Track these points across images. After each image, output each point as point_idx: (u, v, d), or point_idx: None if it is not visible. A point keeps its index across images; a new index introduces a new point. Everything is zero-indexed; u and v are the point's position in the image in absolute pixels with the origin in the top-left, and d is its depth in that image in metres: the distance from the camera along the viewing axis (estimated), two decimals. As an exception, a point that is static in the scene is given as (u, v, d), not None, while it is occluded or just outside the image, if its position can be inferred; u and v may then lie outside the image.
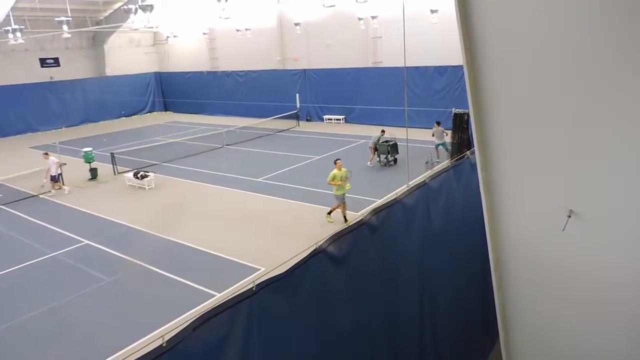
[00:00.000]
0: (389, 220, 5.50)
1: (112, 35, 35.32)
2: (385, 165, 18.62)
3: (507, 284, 5.71)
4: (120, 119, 36.24)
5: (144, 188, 17.47)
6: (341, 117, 29.01)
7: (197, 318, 3.47)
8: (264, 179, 17.76)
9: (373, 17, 25.71)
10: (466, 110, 16.28)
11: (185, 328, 3.37)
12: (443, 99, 24.20)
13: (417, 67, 24.59)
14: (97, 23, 33.13)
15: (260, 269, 10.54)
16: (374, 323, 5.46)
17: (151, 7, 18.44)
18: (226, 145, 24.13)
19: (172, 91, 38.79)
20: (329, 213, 13.24)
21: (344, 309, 4.98)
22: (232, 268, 10.95)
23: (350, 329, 5.08)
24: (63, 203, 16.50)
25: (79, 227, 13.98)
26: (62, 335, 8.85)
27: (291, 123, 28.73)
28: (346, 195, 12.97)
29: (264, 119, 28.68)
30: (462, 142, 17.05)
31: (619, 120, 3.94)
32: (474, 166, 6.70)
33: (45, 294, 10.24)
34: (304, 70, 30.20)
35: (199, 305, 9.26)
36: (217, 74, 35.35)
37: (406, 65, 23.00)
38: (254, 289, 3.85)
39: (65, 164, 18.47)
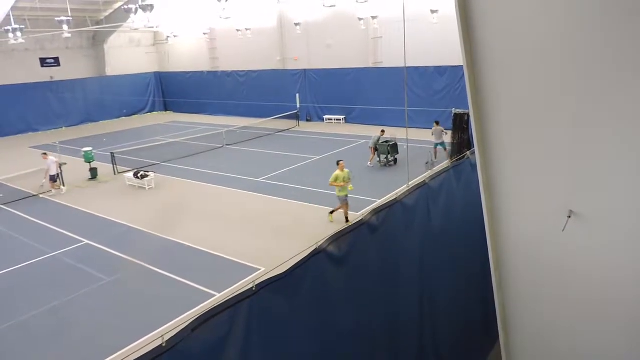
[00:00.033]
0: (389, 220, 5.50)
1: (112, 35, 35.32)
2: (385, 165, 18.62)
3: (507, 284, 5.71)
4: (121, 118, 36.24)
5: (144, 188, 17.48)
6: (341, 117, 29.01)
7: (197, 318, 3.46)
8: (264, 179, 17.76)
9: (373, 18, 25.70)
10: (466, 111, 16.29)
11: (185, 328, 3.36)
12: (443, 99, 24.20)
13: (417, 68, 24.58)
14: (98, 23, 33.13)
15: (260, 269, 10.55)
16: (374, 323, 5.46)
17: (151, 7, 18.46)
18: (226, 145, 24.14)
19: (172, 91, 38.78)
20: (332, 213, 13.26)
21: (344, 309, 4.98)
22: (232, 268, 10.95)
23: (350, 329, 5.08)
24: (63, 203, 16.50)
25: (79, 227, 13.98)
26: (62, 334, 8.86)
27: (291, 123, 28.73)
28: (348, 195, 12.98)
29: (264, 119, 28.69)
30: (462, 142, 17.06)
31: (619, 120, 3.94)
32: (474, 166, 6.70)
33: (45, 293, 10.25)
34: (304, 70, 30.20)
35: (198, 305, 9.26)
36: (217, 74, 35.35)
37: (406, 66, 23.03)
38: (253, 289, 3.85)
39: (65, 163, 18.48)
